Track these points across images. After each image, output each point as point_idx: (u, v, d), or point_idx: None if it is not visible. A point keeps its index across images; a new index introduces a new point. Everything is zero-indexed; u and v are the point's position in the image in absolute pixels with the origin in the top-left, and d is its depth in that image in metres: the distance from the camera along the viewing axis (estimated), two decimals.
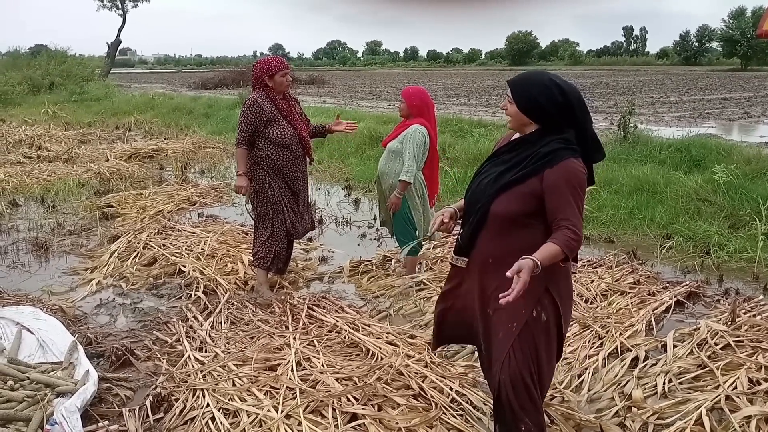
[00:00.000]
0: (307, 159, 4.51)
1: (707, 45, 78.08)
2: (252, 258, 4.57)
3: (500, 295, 2.07)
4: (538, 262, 2.11)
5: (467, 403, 2.98)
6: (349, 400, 2.94)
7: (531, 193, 2.22)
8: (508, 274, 2.13)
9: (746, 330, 3.66)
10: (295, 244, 4.94)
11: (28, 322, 3.67)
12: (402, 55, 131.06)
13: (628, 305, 4.17)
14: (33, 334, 3.55)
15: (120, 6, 39.97)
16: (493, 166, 2.37)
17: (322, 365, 3.30)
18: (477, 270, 2.39)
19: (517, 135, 2.41)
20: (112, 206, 7.16)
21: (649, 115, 16.32)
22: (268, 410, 2.86)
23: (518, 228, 2.27)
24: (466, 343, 2.66)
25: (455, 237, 2.59)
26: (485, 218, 2.32)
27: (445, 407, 2.92)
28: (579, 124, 2.27)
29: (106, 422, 2.86)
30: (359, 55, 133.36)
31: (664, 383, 3.16)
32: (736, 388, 3.05)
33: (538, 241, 2.21)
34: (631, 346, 3.58)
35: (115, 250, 5.43)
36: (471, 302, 2.48)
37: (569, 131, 2.25)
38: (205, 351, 3.58)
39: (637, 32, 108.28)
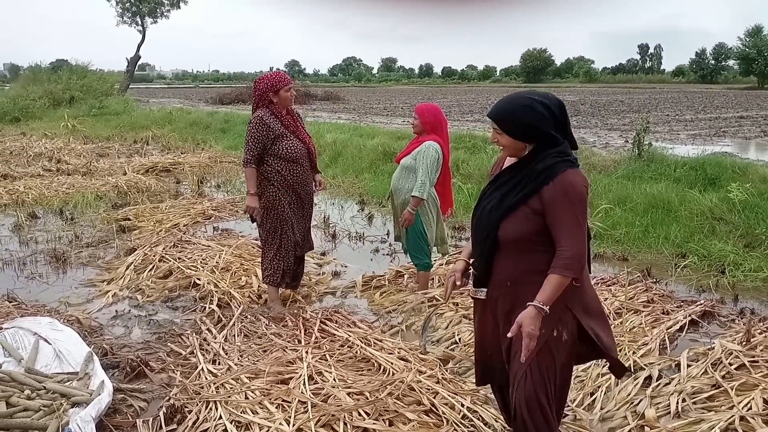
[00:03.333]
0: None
1: (724, 63, 77.66)
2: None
3: (521, 359, 2.17)
4: (541, 304, 2.15)
5: (478, 419, 2.98)
6: (360, 414, 2.95)
7: (534, 212, 2.21)
8: (508, 335, 2.20)
9: (761, 350, 3.62)
10: (308, 258, 4.97)
11: (45, 332, 3.71)
12: (417, 71, 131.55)
13: (641, 324, 4.14)
14: (50, 344, 3.59)
15: (140, 22, 40.62)
16: (494, 191, 2.35)
17: (334, 379, 3.31)
18: (497, 296, 2.37)
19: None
20: (129, 219, 7.25)
21: (665, 133, 16.25)
22: (280, 423, 2.88)
23: (531, 247, 2.26)
24: (504, 377, 2.52)
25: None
26: (495, 244, 2.30)
27: (456, 423, 2.93)
28: (567, 131, 2.26)
29: None
30: (374, 71, 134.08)
31: (677, 403, 3.14)
32: (750, 408, 3.02)
33: (553, 256, 2.22)
34: (645, 364, 3.56)
35: (132, 263, 5.50)
36: (495, 329, 2.44)
37: (563, 143, 2.23)
38: (219, 363, 3.61)
39: (652, 50, 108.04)
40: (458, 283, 2.44)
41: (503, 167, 2.40)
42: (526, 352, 2.17)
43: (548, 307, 2.17)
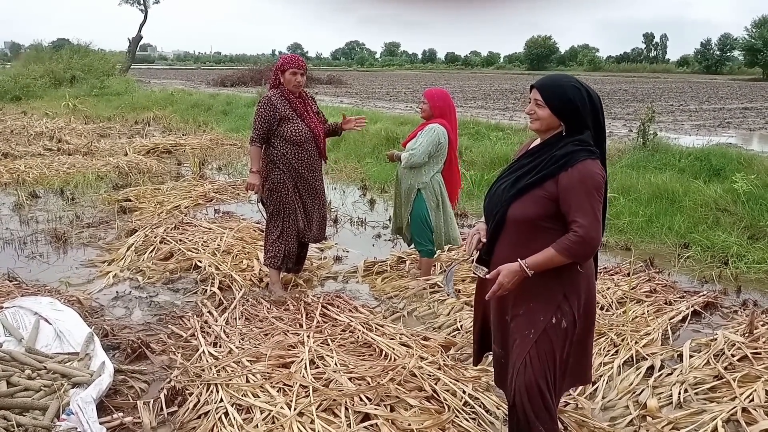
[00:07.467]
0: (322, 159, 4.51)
1: (729, 54, 77.11)
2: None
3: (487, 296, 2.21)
4: (525, 265, 2.18)
5: (480, 406, 2.97)
6: (361, 399, 2.94)
7: (547, 197, 2.20)
8: (487, 276, 2.24)
9: (764, 342, 3.61)
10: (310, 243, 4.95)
11: (45, 312, 3.70)
12: (420, 57, 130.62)
13: (644, 314, 4.13)
14: (50, 324, 3.58)
15: (142, 2, 40.29)
16: (511, 173, 2.36)
17: (336, 364, 3.31)
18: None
19: (536, 142, 2.39)
20: (130, 200, 7.23)
21: (669, 123, 16.17)
22: (281, 407, 2.87)
23: (537, 233, 2.24)
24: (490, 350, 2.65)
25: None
26: (503, 223, 2.30)
27: (457, 410, 2.92)
28: (601, 127, 2.27)
29: (121, 414, 2.90)
30: (377, 56, 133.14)
31: (679, 393, 3.14)
32: (753, 400, 3.01)
33: None
34: (647, 354, 3.55)
35: (132, 244, 5.48)
36: (489, 310, 2.48)
37: (586, 132, 2.24)
38: (220, 346, 3.60)
39: (657, 39, 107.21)
40: (483, 240, 2.39)
41: (527, 152, 2.40)
42: (492, 295, 2.26)
43: (532, 271, 2.19)
